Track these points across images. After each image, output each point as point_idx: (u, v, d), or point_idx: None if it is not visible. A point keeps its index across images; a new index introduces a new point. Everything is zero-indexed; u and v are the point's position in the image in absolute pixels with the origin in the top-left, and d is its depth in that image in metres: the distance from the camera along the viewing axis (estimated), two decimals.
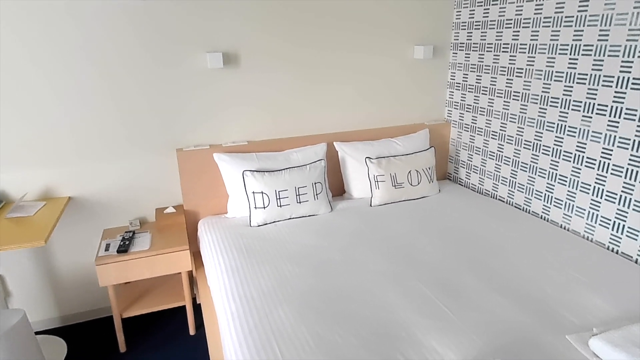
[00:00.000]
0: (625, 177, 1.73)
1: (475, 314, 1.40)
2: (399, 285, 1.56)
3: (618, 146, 1.75)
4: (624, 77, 1.69)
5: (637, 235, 1.71)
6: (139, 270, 1.96)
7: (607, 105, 1.77)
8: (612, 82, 1.73)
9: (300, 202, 2.14)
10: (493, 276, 1.62)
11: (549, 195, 2.10)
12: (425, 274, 1.63)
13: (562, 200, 2.04)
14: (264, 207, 2.09)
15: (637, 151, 1.67)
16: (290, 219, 2.16)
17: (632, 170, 1.70)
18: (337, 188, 2.55)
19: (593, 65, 1.80)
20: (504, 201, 2.40)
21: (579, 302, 1.46)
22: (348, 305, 1.46)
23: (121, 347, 2.07)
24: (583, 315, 1.39)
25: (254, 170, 2.12)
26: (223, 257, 1.80)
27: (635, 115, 1.66)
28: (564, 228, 2.04)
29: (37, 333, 2.21)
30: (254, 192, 2.09)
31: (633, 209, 1.72)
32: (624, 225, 1.76)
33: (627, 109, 1.69)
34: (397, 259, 1.75)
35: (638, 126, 1.66)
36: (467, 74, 2.56)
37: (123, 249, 1.94)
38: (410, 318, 1.39)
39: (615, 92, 1.73)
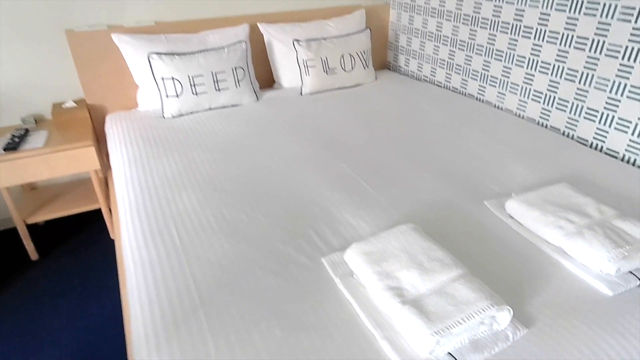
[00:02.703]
0: (561, 44, 1.62)
1: (396, 188, 1.32)
2: (320, 167, 1.45)
3: (556, 9, 1.61)
4: None
5: (567, 106, 1.65)
6: (36, 170, 1.73)
7: None
8: None
9: (219, 90, 1.92)
10: (421, 155, 1.53)
11: (484, 74, 1.99)
12: (350, 156, 1.52)
13: (497, 78, 1.93)
14: (177, 96, 1.85)
15: (574, 13, 1.55)
16: (210, 109, 1.95)
17: (568, 35, 1.59)
18: (267, 79, 2.32)
19: None
20: (441, 86, 2.28)
21: (502, 172, 1.41)
22: (262, 186, 1.33)
23: (32, 255, 1.91)
24: (505, 183, 1.35)
25: (162, 53, 1.84)
26: (127, 148, 1.60)
27: None
28: (498, 107, 1.97)
29: None
30: (163, 78, 1.83)
31: (565, 79, 1.64)
32: (554, 97, 1.69)
33: None
34: (322, 143, 1.62)
35: None
36: None
37: (12, 147, 1.69)
38: (327, 196, 1.29)
39: None
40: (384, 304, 0.87)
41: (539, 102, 1.76)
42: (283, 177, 1.39)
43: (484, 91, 2.02)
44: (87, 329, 1.55)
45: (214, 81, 1.90)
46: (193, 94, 1.87)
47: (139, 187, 1.35)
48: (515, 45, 1.80)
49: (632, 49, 1.40)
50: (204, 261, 1.02)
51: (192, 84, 1.86)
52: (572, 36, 1.57)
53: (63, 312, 1.63)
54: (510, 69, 1.86)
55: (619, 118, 1.48)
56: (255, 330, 0.84)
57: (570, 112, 1.64)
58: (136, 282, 0.98)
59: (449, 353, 0.78)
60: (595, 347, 0.80)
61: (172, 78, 1.83)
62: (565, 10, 1.57)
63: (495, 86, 1.95)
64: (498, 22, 1.86)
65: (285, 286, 0.95)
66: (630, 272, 0.95)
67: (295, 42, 2.11)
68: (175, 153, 1.54)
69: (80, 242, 2.02)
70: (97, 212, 2.08)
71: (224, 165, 1.45)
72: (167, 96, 1.85)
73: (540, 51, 1.71)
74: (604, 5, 1.44)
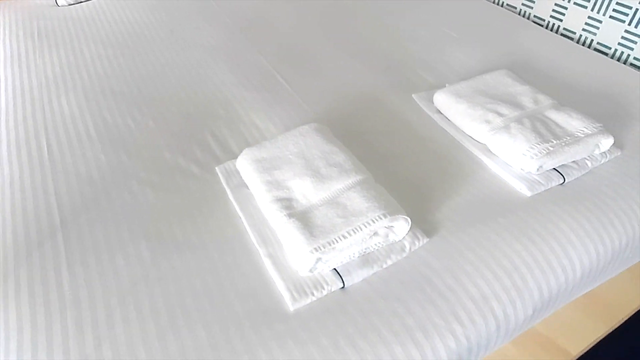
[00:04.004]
0: None
1: (316, 82, 1.15)
2: (233, 60, 1.24)
3: None
4: None
5: None
6: None
7: None
8: None
9: None
10: (354, 41, 1.32)
11: None
12: (270, 45, 1.30)
13: None
14: None
15: None
16: None
17: None
18: None
19: None
20: None
21: (441, 60, 1.23)
22: (160, 86, 1.14)
23: None
24: (442, 72, 1.18)
25: None
26: (4, 44, 1.34)
27: None
28: None
29: None
30: None
31: None
32: None
33: None
34: (240, 29, 1.38)
35: None
36: None
37: None
38: (235, 94, 1.11)
39: None
40: (271, 218, 0.75)
41: None
42: (187, 74, 1.18)
43: None
44: None
45: None
46: None
47: (12, 89, 1.13)
48: None
49: None
50: (71, 176, 0.87)
51: None
52: None
53: None
54: None
55: None
56: (120, 254, 0.73)
57: None
58: None
59: (335, 269, 0.70)
60: (499, 255, 0.72)
61: None
62: None
63: None
64: None
65: (166, 201, 0.83)
66: (555, 169, 0.84)
67: None
68: (62, 48, 1.29)
69: None
70: None
71: (118, 61, 1.23)
72: None
73: None
74: None
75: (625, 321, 0.85)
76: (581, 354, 0.80)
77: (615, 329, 0.84)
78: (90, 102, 1.07)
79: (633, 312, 0.86)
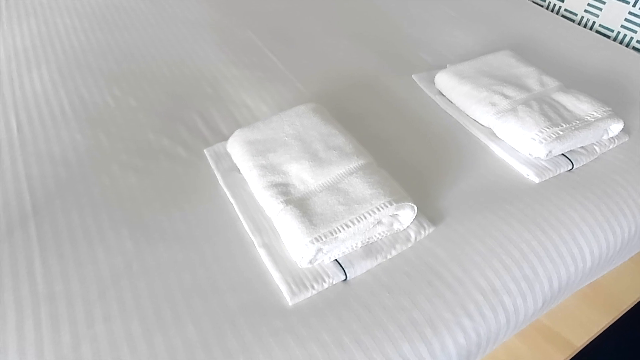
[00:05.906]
0: None
1: (311, 61, 1.08)
2: (221, 37, 1.16)
3: None
4: None
5: None
6: None
7: None
8: None
9: None
10: (348, 19, 1.25)
11: None
12: (261, 21, 1.22)
13: None
14: None
15: None
16: None
17: None
18: None
19: None
20: None
21: (440, 39, 1.18)
22: (142, 62, 1.05)
23: None
24: (441, 53, 1.12)
25: None
26: None
27: None
28: None
29: None
30: None
31: None
32: None
33: None
34: (227, 5, 1.29)
35: None
36: None
37: None
38: (224, 72, 1.04)
39: None
40: (266, 205, 0.70)
41: None
42: (171, 50, 1.10)
43: None
44: None
45: None
46: None
47: None
48: None
49: None
50: (44, 158, 0.79)
51: None
52: None
53: None
54: None
55: None
56: (100, 243, 0.66)
57: None
58: None
59: (336, 260, 0.65)
60: (508, 244, 0.68)
61: None
62: None
63: None
64: None
65: (150, 186, 0.76)
66: (563, 154, 0.81)
67: None
68: (33, 19, 1.19)
69: None
70: None
71: (95, 35, 1.13)
72: None
73: None
74: None
75: (628, 311, 0.84)
76: (585, 345, 0.78)
77: (618, 320, 0.82)
78: (64, 77, 0.98)
79: (636, 302, 0.84)
